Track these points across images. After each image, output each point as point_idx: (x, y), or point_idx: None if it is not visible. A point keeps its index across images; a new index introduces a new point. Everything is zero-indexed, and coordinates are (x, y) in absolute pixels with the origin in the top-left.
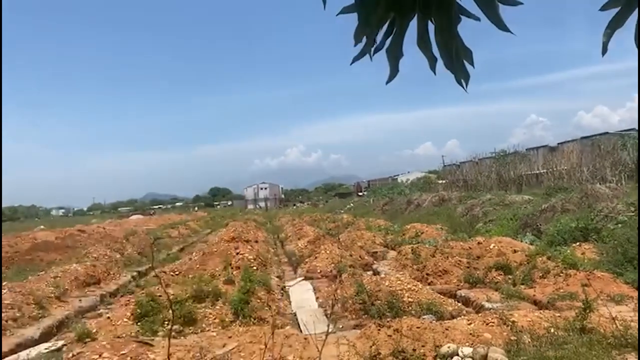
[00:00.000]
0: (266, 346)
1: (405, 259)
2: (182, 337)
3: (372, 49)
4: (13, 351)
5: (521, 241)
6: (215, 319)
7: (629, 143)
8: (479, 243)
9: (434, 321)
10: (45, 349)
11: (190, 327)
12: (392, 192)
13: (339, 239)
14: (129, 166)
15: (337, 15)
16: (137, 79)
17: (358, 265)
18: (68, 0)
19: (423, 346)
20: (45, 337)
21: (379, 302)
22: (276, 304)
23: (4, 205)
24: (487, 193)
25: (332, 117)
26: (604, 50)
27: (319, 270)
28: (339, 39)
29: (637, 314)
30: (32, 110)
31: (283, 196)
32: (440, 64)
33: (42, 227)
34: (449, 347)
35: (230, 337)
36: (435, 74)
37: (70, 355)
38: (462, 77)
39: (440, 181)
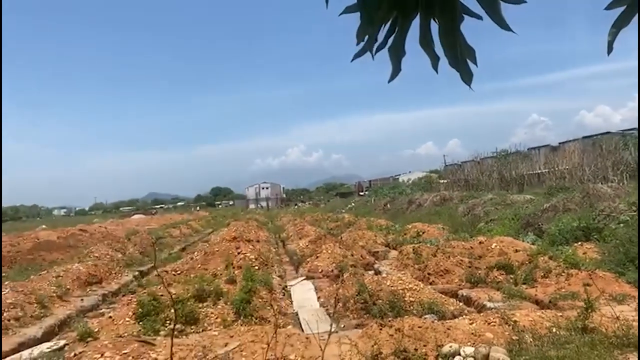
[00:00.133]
0: (269, 345)
1: (407, 258)
2: (183, 337)
3: (375, 48)
4: (15, 350)
5: (523, 241)
6: (217, 318)
7: (631, 142)
8: (480, 243)
9: (436, 321)
10: (48, 348)
11: (192, 327)
12: (394, 192)
13: (340, 238)
14: (130, 166)
15: (339, 15)
16: (138, 79)
17: (359, 264)
18: (68, 0)
19: (425, 346)
20: (47, 336)
21: (380, 301)
22: (278, 304)
23: (6, 205)
24: (489, 193)
25: (333, 117)
26: (610, 49)
27: (320, 270)
28: (340, 39)
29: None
30: (32, 110)
31: (284, 196)
32: (442, 63)
33: (44, 226)
34: (450, 347)
35: (232, 337)
36: (437, 72)
37: (72, 354)
38: (465, 76)
39: (442, 181)
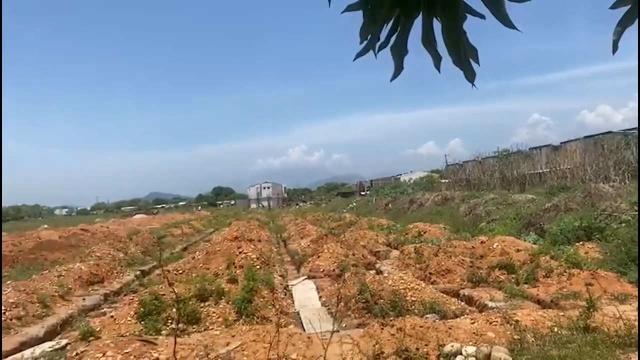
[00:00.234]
0: (271, 344)
1: (408, 258)
2: (185, 336)
3: (377, 47)
4: (17, 350)
5: (524, 240)
6: (218, 317)
7: (632, 142)
8: (482, 242)
9: (437, 320)
10: (50, 347)
11: (194, 326)
12: (395, 192)
13: (341, 238)
14: (131, 166)
15: (342, 13)
16: (138, 79)
17: (361, 264)
18: (69, 0)
19: (426, 345)
20: (49, 335)
21: (382, 301)
22: (279, 303)
23: (8, 204)
24: (490, 192)
25: (334, 117)
26: (615, 48)
27: (321, 270)
28: (341, 38)
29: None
30: (34, 110)
31: (286, 195)
32: (444, 62)
33: (45, 226)
34: (452, 346)
35: (233, 336)
36: (439, 72)
37: (74, 353)
38: (469, 75)
39: (443, 180)
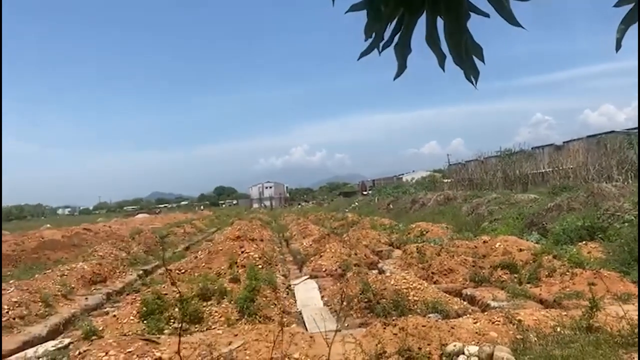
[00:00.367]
0: (274, 343)
1: (411, 257)
2: (188, 335)
3: (381, 45)
4: (20, 349)
5: (527, 240)
6: (221, 317)
7: (635, 142)
8: (484, 242)
9: (440, 320)
10: (52, 346)
11: (196, 325)
12: (397, 191)
13: (344, 238)
14: (134, 165)
15: (345, 12)
16: (140, 79)
17: (363, 264)
18: (69, 1)
19: (429, 345)
20: (52, 334)
21: (384, 300)
22: (282, 303)
23: (10, 204)
24: (493, 192)
25: (336, 117)
26: (618, 46)
27: (324, 269)
28: (343, 38)
29: None
30: (35, 110)
31: (288, 195)
32: (447, 61)
33: (48, 225)
34: (454, 346)
35: (236, 335)
36: (444, 71)
37: (77, 352)
38: (471, 73)
39: (446, 180)
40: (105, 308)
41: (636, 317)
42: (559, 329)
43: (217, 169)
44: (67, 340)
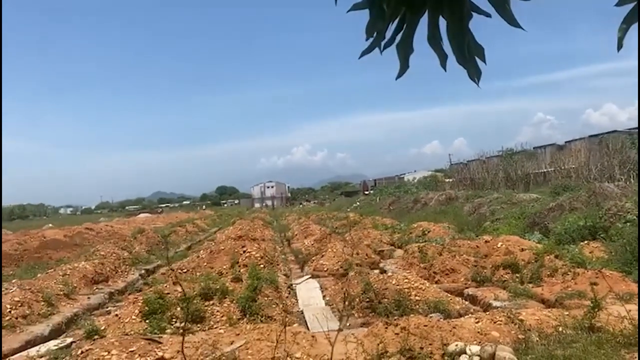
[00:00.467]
0: (277, 342)
1: (412, 257)
2: (190, 334)
3: (382, 45)
4: (23, 348)
5: (529, 240)
6: (222, 316)
7: (638, 141)
8: (486, 241)
9: (442, 319)
10: (55, 346)
11: (198, 325)
12: (399, 191)
13: (345, 237)
14: (136, 165)
15: (347, 11)
16: (141, 78)
17: (365, 263)
18: (70, 1)
19: (430, 344)
20: (54, 334)
21: (386, 300)
22: (283, 302)
23: (13, 203)
24: (495, 191)
25: (337, 116)
26: (620, 45)
27: (325, 269)
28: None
29: None
30: (36, 109)
31: (289, 195)
32: (449, 60)
33: (50, 225)
34: (456, 346)
35: (238, 335)
36: (445, 70)
37: (79, 352)
38: (474, 73)
39: (447, 180)
40: (108, 307)
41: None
42: (561, 329)
43: (219, 168)
44: (69, 340)
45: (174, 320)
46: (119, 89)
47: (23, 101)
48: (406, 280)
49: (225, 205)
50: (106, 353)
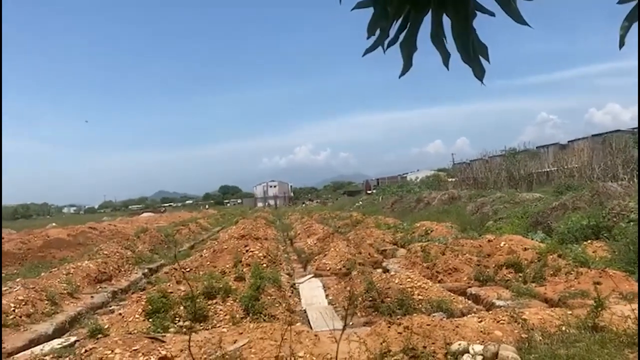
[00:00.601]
0: (282, 340)
1: (415, 256)
2: (193, 333)
3: (386, 43)
4: (27, 346)
5: (532, 239)
6: (225, 315)
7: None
8: (489, 241)
9: (445, 319)
10: (58, 344)
11: (202, 324)
12: (402, 190)
13: (348, 237)
14: (139, 164)
15: (351, 10)
16: (144, 78)
17: (367, 263)
18: (71, 1)
19: (433, 343)
20: (58, 333)
21: (389, 299)
22: (286, 301)
23: (16, 202)
24: (498, 191)
25: (340, 116)
26: (621, 43)
27: (328, 268)
28: (347, 37)
29: None
30: (37, 109)
31: (292, 194)
32: (452, 59)
33: (54, 224)
34: (459, 345)
35: (241, 334)
36: (448, 69)
37: (83, 350)
38: (479, 72)
39: (450, 179)
40: (111, 306)
41: None
42: (564, 328)
43: (221, 168)
44: (73, 338)
45: (177, 319)
46: (120, 88)
47: (25, 100)
48: (409, 280)
49: (228, 204)
50: (110, 352)
